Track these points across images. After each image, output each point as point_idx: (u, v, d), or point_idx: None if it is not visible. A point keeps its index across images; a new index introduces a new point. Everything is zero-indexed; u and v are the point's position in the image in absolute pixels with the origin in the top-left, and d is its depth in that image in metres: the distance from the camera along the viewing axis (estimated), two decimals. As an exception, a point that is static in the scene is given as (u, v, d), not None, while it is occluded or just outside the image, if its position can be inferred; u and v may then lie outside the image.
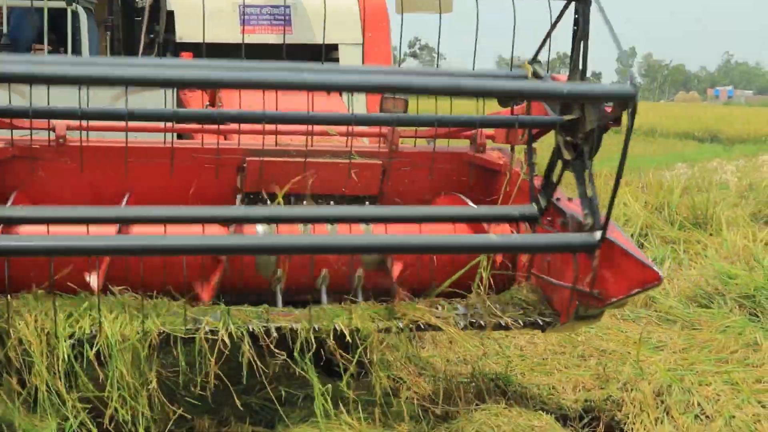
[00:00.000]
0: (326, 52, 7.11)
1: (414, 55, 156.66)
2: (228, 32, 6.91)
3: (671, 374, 5.55)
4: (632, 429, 5.23)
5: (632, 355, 5.95)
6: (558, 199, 4.54)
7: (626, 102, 3.87)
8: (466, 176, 5.14)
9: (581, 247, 4.24)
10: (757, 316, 7.10)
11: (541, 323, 4.53)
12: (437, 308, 4.51)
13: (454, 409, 5.06)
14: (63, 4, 6.41)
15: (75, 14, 6.61)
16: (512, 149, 5.00)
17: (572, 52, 4.38)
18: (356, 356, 4.28)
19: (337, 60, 7.21)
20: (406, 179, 5.05)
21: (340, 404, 4.42)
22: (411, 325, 4.40)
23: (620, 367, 5.78)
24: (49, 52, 6.35)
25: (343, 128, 4.93)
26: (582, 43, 4.29)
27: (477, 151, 5.15)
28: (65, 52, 6.53)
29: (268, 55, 6.50)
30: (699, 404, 5.37)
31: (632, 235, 8.50)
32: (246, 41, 6.61)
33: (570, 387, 5.68)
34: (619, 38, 3.92)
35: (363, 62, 7.14)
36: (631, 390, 5.44)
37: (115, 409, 3.92)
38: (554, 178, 4.55)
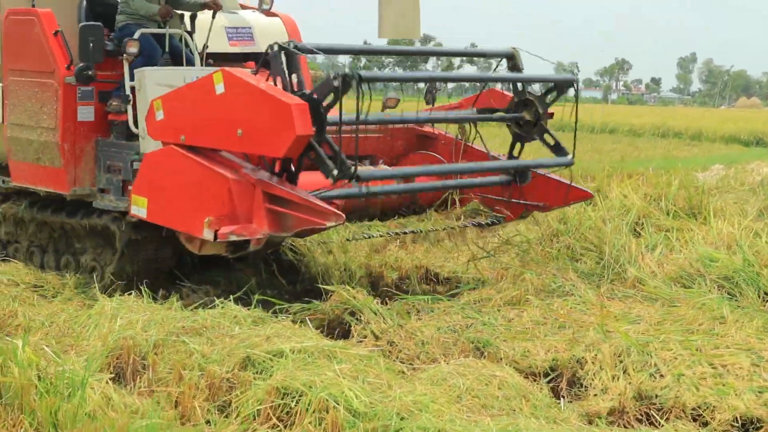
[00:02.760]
0: None
1: (471, 61, 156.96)
2: (220, 45, 9.67)
3: (632, 339, 6.22)
4: (591, 384, 5.93)
5: (608, 325, 6.61)
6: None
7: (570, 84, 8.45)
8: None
9: (564, 165, 8.57)
10: (735, 297, 7.71)
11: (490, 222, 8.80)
12: None
13: (431, 366, 5.80)
14: (179, 31, 9.05)
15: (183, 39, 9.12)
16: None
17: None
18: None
19: None
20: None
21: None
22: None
23: (588, 333, 6.46)
24: (168, 64, 8.82)
25: None
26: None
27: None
28: (175, 63, 8.93)
29: (241, 60, 9.81)
30: (656, 365, 6.05)
31: (628, 223, 9.16)
32: (233, 51, 9.78)
33: (543, 350, 6.37)
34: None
35: None
36: (594, 351, 6.12)
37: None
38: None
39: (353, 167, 6.86)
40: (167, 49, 8.93)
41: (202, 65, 9.13)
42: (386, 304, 7.25)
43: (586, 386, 5.95)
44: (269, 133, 6.74)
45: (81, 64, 8.31)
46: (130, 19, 8.93)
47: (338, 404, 5.03)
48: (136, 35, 8.65)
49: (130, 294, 7.46)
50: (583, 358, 6.11)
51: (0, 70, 9.20)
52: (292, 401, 5.18)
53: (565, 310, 7.24)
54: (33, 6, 8.92)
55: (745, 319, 6.93)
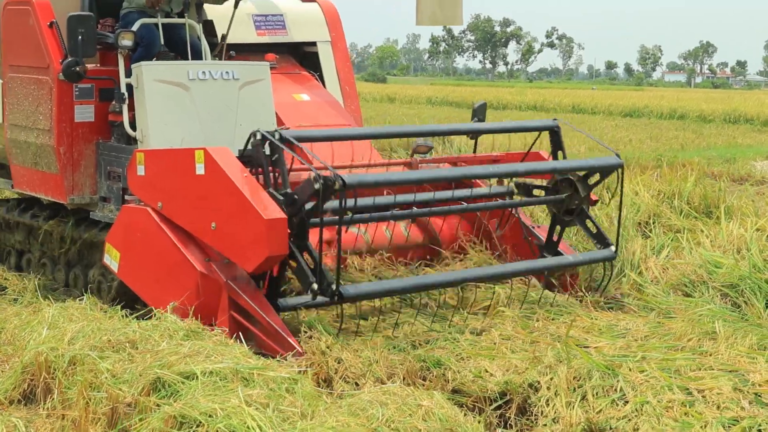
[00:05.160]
0: (306, 47, 9.47)
1: (551, 45, 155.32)
2: (246, 35, 8.90)
3: (594, 360, 5.57)
4: (542, 412, 5.29)
5: (571, 343, 5.97)
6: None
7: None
8: None
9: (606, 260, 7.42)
10: (739, 306, 7.02)
11: None
12: None
13: (355, 390, 5.23)
14: (182, 20, 8.11)
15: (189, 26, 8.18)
16: None
17: None
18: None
19: (316, 54, 9.39)
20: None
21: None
22: None
23: (550, 352, 5.81)
24: (168, 55, 7.92)
25: None
26: None
27: None
28: (180, 56, 8.01)
29: (271, 50, 8.86)
30: (621, 389, 5.39)
31: (639, 224, 8.46)
32: (259, 42, 8.98)
33: (501, 371, 5.74)
34: None
35: (333, 55, 9.43)
36: (550, 374, 5.49)
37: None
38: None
39: (333, 284, 6.09)
40: (162, 41, 7.98)
41: (222, 58, 8.32)
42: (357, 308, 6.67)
43: (536, 415, 5.32)
44: (241, 242, 6.13)
45: (69, 59, 7.50)
46: (132, 7, 8.11)
47: (237, 437, 4.50)
48: (136, 26, 7.83)
49: (81, 299, 7.04)
50: (537, 381, 5.46)
51: (0, 66, 8.56)
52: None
53: (542, 322, 6.61)
54: None
55: (738, 335, 6.22)
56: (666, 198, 8.92)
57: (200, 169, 6.35)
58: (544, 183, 7.64)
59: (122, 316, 6.47)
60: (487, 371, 5.76)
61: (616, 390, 5.39)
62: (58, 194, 8.02)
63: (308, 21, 9.42)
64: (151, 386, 5.14)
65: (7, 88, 8.36)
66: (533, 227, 7.85)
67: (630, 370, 5.60)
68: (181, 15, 8.23)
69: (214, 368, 5.16)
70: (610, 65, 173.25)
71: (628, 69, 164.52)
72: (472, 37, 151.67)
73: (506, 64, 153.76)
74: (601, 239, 7.45)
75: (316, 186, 5.91)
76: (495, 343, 6.23)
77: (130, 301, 7.03)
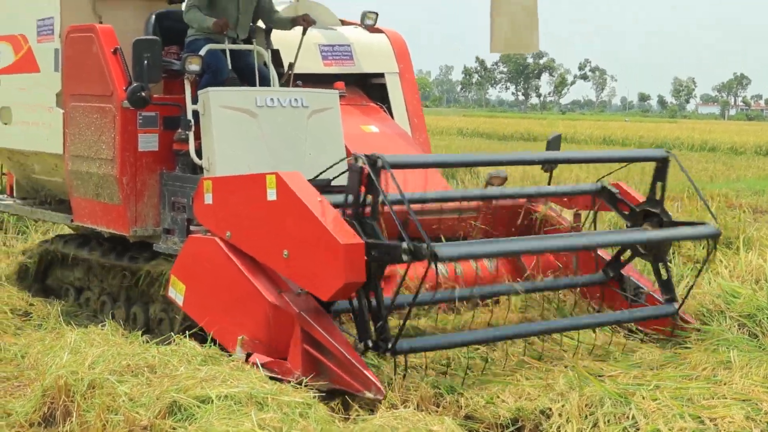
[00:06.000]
0: (374, 79, 9.38)
1: (584, 77, 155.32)
2: (313, 64, 8.81)
3: (606, 387, 5.61)
4: (553, 439, 5.33)
5: (585, 370, 6.01)
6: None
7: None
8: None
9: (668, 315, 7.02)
10: (757, 336, 7.02)
11: None
12: None
13: (368, 415, 5.29)
14: (251, 47, 8.03)
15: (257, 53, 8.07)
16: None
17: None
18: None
19: (384, 85, 9.32)
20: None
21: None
22: None
23: (562, 379, 5.86)
24: (236, 82, 7.78)
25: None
26: None
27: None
28: (248, 84, 7.85)
29: (338, 80, 8.73)
30: (633, 417, 5.42)
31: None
32: (326, 72, 8.91)
33: (513, 398, 5.78)
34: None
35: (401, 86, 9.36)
36: (562, 401, 5.53)
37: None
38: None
39: (393, 340, 5.76)
40: (230, 66, 7.82)
41: (290, 86, 8.22)
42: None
43: (548, 441, 5.36)
44: (316, 269, 5.82)
45: (134, 85, 7.33)
46: (199, 33, 7.93)
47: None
48: (203, 51, 7.67)
49: (103, 325, 7.16)
50: (549, 408, 5.51)
51: (61, 96, 8.34)
52: (202, 455, 4.74)
53: (556, 351, 6.65)
54: (100, 23, 8.18)
55: (753, 365, 6.24)
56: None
57: (272, 195, 6.11)
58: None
59: (142, 341, 6.57)
60: (499, 397, 5.81)
61: (628, 417, 5.41)
62: (120, 226, 7.79)
63: (376, 52, 9.33)
64: (168, 410, 5.22)
65: (69, 118, 8.19)
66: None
67: (643, 398, 5.62)
68: (247, 41, 8.13)
69: (229, 392, 5.24)
70: (644, 97, 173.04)
71: (662, 101, 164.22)
72: (505, 69, 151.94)
73: (539, 96, 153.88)
74: (667, 289, 7.13)
75: (405, 258, 5.59)
76: (514, 371, 6.29)
77: (194, 335, 6.62)
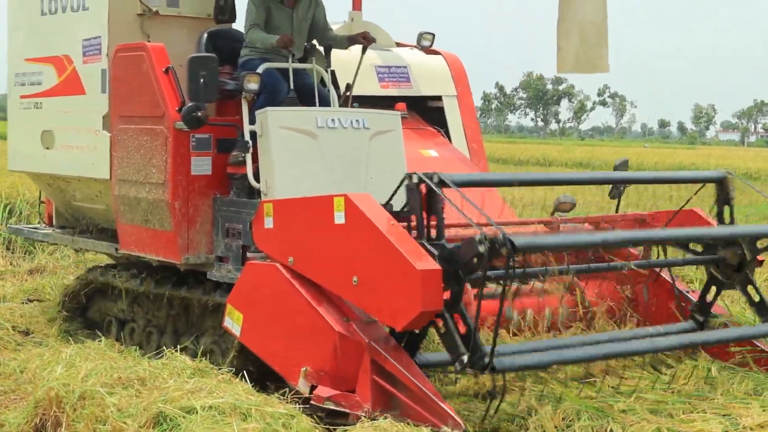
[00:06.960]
0: (431, 102, 9.24)
1: (603, 103, 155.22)
2: (369, 86, 8.62)
3: (582, 401, 5.71)
4: (531, 453, 5.44)
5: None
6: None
7: None
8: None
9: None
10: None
11: None
12: None
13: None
14: (310, 66, 7.76)
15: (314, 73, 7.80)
16: None
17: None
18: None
19: (441, 108, 9.20)
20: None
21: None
22: None
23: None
24: (295, 101, 7.52)
25: None
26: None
27: None
28: (306, 104, 7.60)
29: (393, 102, 8.56)
30: (611, 430, 5.52)
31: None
32: (383, 94, 8.76)
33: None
34: None
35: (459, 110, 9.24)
36: (536, 415, 5.62)
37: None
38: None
39: (489, 356, 5.40)
40: (292, 86, 7.53)
41: (348, 107, 7.94)
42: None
43: (525, 455, 5.46)
44: (388, 297, 5.49)
45: (189, 104, 6.96)
46: (253, 53, 7.70)
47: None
48: (260, 69, 7.41)
49: (100, 340, 7.31)
50: (525, 422, 5.61)
51: (108, 118, 7.96)
52: (184, 464, 4.87)
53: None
54: (148, 41, 7.84)
55: (735, 381, 6.35)
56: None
57: (340, 218, 5.78)
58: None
59: (138, 356, 6.73)
60: (473, 412, 5.90)
61: (604, 431, 5.52)
62: (170, 254, 7.36)
63: (434, 74, 9.15)
64: (154, 420, 5.35)
65: (116, 141, 7.78)
66: (686, 291, 7.34)
67: (621, 412, 5.73)
68: (302, 61, 7.88)
69: (214, 403, 5.36)
70: (664, 124, 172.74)
71: (682, 127, 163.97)
72: (524, 95, 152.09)
73: (558, 122, 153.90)
74: (763, 310, 6.77)
75: (481, 249, 5.30)
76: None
77: (251, 368, 6.42)
